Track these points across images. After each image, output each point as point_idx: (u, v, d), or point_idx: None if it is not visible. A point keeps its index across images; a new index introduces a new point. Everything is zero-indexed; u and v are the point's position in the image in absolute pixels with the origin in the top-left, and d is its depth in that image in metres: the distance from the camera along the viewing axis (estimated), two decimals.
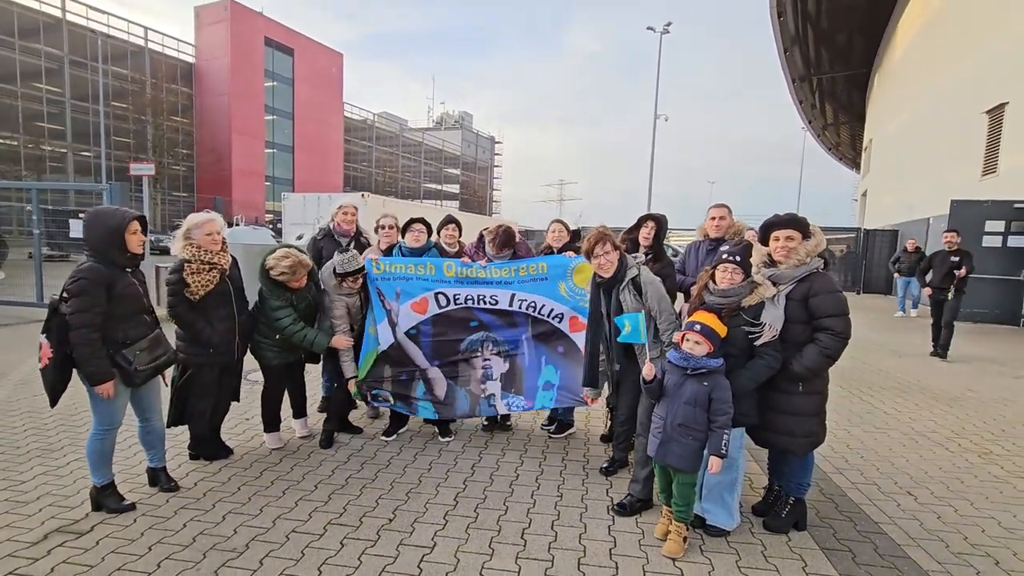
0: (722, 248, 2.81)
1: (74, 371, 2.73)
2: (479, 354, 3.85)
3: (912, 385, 5.89)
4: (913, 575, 2.46)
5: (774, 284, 2.67)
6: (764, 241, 2.75)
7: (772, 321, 2.58)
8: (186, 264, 3.18)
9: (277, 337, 3.57)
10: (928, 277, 7.63)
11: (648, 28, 27.93)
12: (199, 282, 3.18)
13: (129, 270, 2.83)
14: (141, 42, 35.71)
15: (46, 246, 10.66)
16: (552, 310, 3.77)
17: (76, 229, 10.22)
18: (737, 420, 2.66)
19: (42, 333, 2.68)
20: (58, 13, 31.29)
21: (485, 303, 3.80)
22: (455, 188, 65.94)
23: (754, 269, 2.72)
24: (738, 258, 2.64)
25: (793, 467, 2.79)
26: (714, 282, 2.70)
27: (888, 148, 21.73)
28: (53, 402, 2.71)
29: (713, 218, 3.97)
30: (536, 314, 3.79)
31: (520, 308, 3.80)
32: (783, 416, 2.70)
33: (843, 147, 38.74)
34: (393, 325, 3.80)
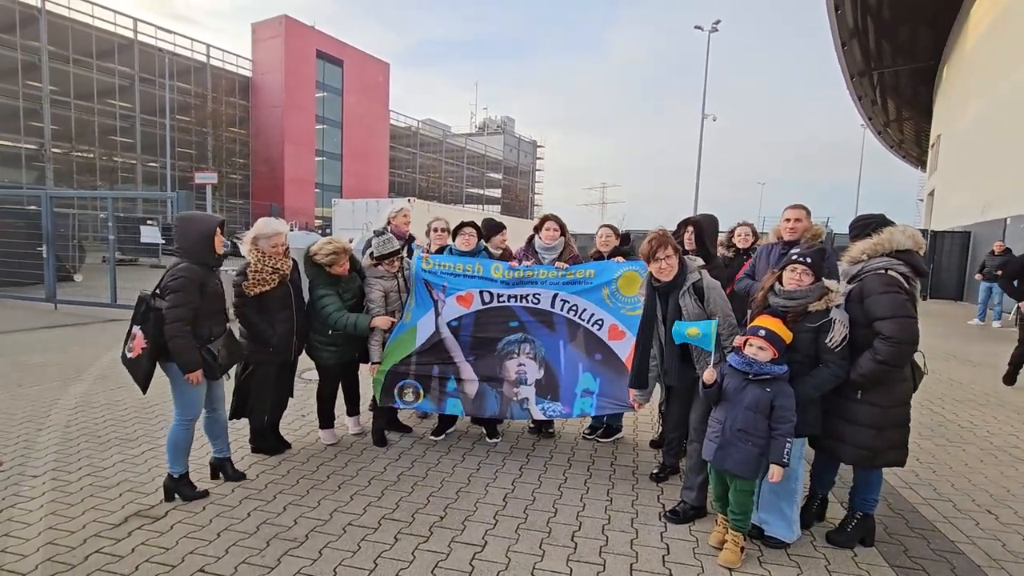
0: (792, 251, 2.71)
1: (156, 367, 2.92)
2: (515, 356, 3.82)
3: (989, 397, 5.49)
4: None
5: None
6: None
7: (840, 318, 2.47)
8: (249, 267, 3.36)
9: (330, 333, 3.67)
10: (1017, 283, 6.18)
11: (696, 27, 27.38)
12: (257, 282, 3.34)
13: (216, 270, 3.04)
14: (203, 58, 37.85)
15: (118, 251, 11.42)
16: (593, 315, 3.72)
17: (146, 235, 10.93)
18: (800, 430, 2.57)
19: (135, 325, 2.87)
20: (130, 34, 33.60)
21: (528, 302, 3.81)
22: (497, 192, 66.41)
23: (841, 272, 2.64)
24: (809, 260, 2.54)
25: (859, 481, 2.66)
26: (780, 284, 2.61)
27: (959, 144, 20.38)
28: (144, 388, 2.91)
29: (788, 219, 3.64)
30: (576, 318, 3.74)
31: (561, 310, 3.77)
32: (852, 426, 2.58)
33: (907, 144, 36.65)
34: (438, 315, 3.85)
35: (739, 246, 4.37)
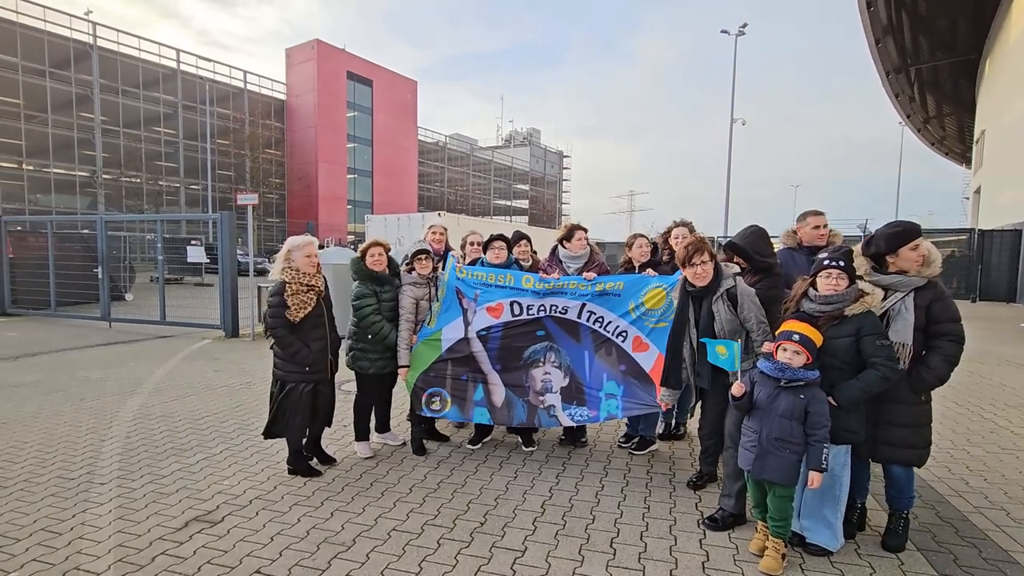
0: (820, 255, 2.71)
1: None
2: (541, 364, 3.88)
3: None
4: None
5: (895, 291, 2.58)
6: (893, 250, 2.63)
7: (902, 330, 2.53)
8: (286, 286, 3.45)
9: (370, 337, 3.81)
10: None
11: (722, 31, 27.14)
12: (297, 303, 3.42)
13: None
14: (240, 84, 39.59)
15: (165, 270, 11.99)
16: (617, 327, 3.77)
17: (192, 255, 11.47)
18: (843, 436, 2.56)
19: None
20: (174, 64, 35.45)
21: (556, 312, 3.88)
22: (524, 203, 66.78)
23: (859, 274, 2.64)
24: (843, 263, 2.56)
25: (903, 481, 2.63)
26: (815, 289, 2.62)
27: (1006, 139, 19.51)
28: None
29: (817, 227, 3.58)
30: (602, 329, 3.80)
31: (587, 321, 3.82)
32: (903, 429, 2.58)
33: (949, 141, 35.24)
34: (467, 324, 3.95)
35: (674, 247, 4.20)
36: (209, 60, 37.98)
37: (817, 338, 2.46)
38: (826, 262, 2.58)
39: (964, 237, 17.18)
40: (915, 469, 2.70)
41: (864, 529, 2.83)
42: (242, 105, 39.15)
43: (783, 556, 2.51)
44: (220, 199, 36.04)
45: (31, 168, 30.39)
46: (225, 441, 4.22)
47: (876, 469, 2.87)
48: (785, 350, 2.47)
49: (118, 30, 32.42)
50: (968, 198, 29.08)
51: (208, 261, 11.34)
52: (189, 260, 11.40)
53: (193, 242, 13.55)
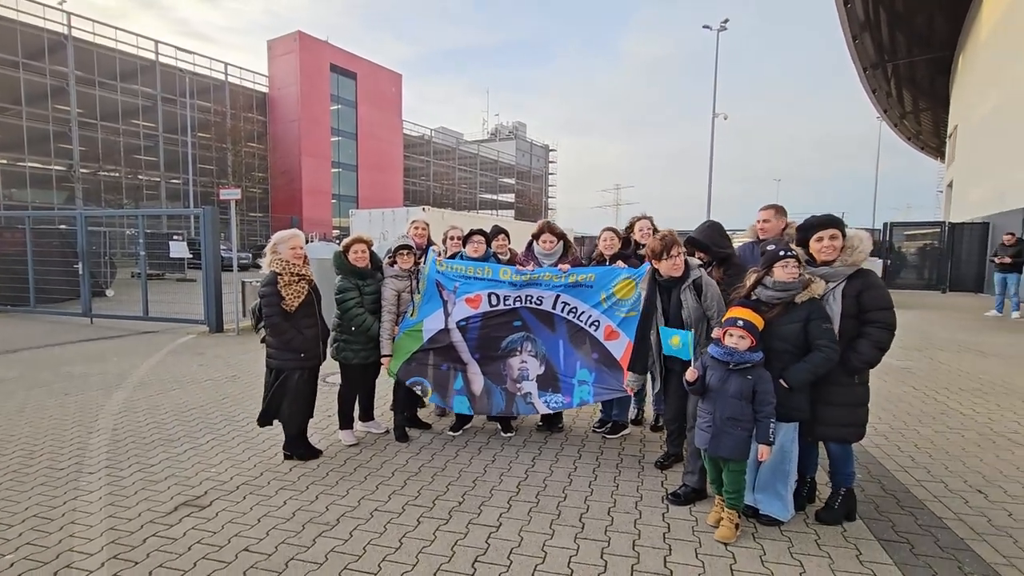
0: (770, 247, 2.91)
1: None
2: (518, 353, 4.07)
3: (996, 386, 5.56)
4: (975, 567, 2.46)
5: (827, 281, 2.77)
6: (804, 242, 2.84)
7: (834, 305, 2.74)
8: (278, 277, 3.63)
9: (353, 329, 3.96)
10: None
11: (704, 27, 27.43)
12: (292, 293, 3.61)
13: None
14: (221, 76, 38.98)
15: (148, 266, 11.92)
16: (590, 316, 3.95)
17: (175, 250, 11.42)
18: (790, 415, 2.77)
19: None
20: (152, 56, 34.79)
21: (532, 303, 4.05)
22: (510, 198, 66.84)
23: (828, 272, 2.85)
24: (794, 252, 2.76)
25: (839, 458, 2.85)
26: (771, 277, 2.81)
27: (976, 134, 20.09)
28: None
29: (758, 221, 3.80)
30: (575, 319, 3.98)
31: (561, 311, 4.01)
32: (839, 408, 2.77)
33: (924, 136, 36.04)
34: (447, 315, 4.11)
35: (637, 240, 4.34)
36: (189, 52, 37.29)
37: (759, 322, 2.66)
38: (782, 253, 2.77)
39: (937, 230, 17.73)
40: (855, 447, 2.91)
41: (814, 501, 3.05)
42: (223, 98, 38.57)
43: (737, 526, 2.72)
44: (202, 194, 35.57)
45: (5, 162, 29.74)
46: (212, 432, 4.33)
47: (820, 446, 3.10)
48: (731, 335, 2.67)
49: (94, 20, 31.73)
50: (942, 192, 29.83)
51: (191, 256, 11.30)
52: (172, 255, 11.33)
53: (175, 237, 13.44)
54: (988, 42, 18.67)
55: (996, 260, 10.88)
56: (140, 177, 35.27)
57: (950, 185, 25.08)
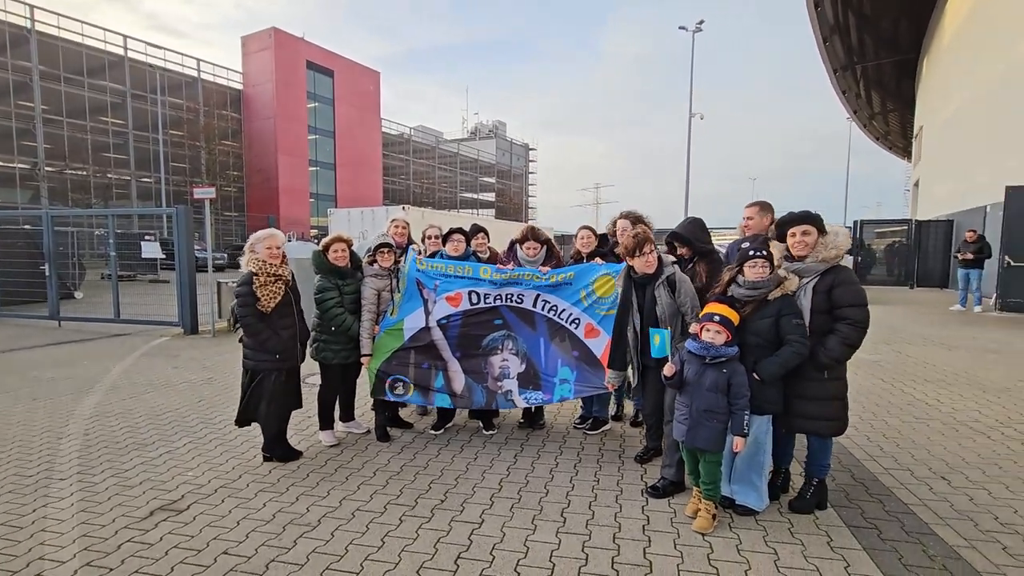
0: (744, 245, 2.99)
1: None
2: (499, 351, 4.08)
3: (959, 377, 5.78)
4: (938, 550, 2.57)
5: (800, 277, 2.85)
6: (781, 238, 2.92)
7: (804, 302, 2.81)
8: (254, 277, 3.57)
9: (333, 329, 3.93)
10: None
11: (680, 28, 27.80)
12: (267, 294, 3.56)
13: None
14: (194, 73, 38.08)
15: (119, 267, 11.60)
16: (570, 315, 3.99)
17: (147, 250, 11.14)
18: (764, 408, 2.85)
19: None
20: (121, 51, 33.81)
21: (513, 301, 4.07)
22: (491, 196, 66.79)
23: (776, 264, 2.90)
24: (764, 252, 2.83)
25: (815, 450, 2.93)
26: (743, 275, 2.88)
27: (940, 135, 20.79)
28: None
29: (745, 217, 3.78)
30: (556, 317, 4.01)
31: (542, 310, 4.04)
32: (810, 402, 2.85)
33: (892, 136, 37.13)
34: (428, 313, 4.11)
35: (620, 240, 4.35)
36: (160, 47, 36.36)
37: (735, 318, 2.73)
38: (751, 252, 2.85)
39: (904, 227, 18.30)
40: (833, 440, 2.99)
41: (787, 491, 3.14)
42: (196, 94, 37.70)
43: (714, 516, 2.79)
44: (175, 193, 34.72)
45: None
46: (188, 435, 4.26)
47: (803, 438, 3.19)
48: (708, 330, 2.74)
49: (58, 14, 30.71)
50: (909, 190, 30.78)
51: (164, 257, 11.03)
52: (144, 256, 11.05)
53: (147, 237, 13.11)
54: (950, 46, 19.33)
55: (959, 256, 11.29)
56: (109, 176, 34.28)
57: (916, 184, 25.89)
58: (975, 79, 16.56)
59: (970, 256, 11.03)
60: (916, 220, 18.14)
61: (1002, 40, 14.57)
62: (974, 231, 11.39)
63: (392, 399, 4.14)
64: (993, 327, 8.95)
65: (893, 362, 6.46)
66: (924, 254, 17.33)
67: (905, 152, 35.58)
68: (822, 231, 2.84)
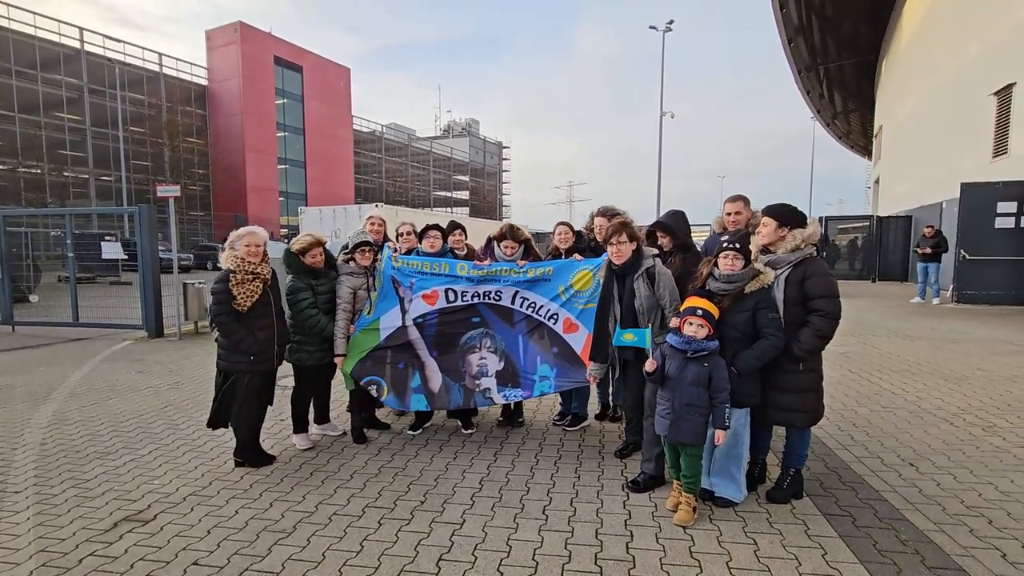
0: (723, 238, 3.03)
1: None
2: (476, 350, 4.03)
3: (922, 367, 6.00)
4: (909, 534, 2.64)
5: (773, 268, 2.89)
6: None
7: (778, 295, 2.86)
8: (231, 275, 3.44)
9: (307, 330, 3.82)
10: None
11: (651, 27, 28.13)
12: (244, 292, 3.43)
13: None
14: (156, 68, 36.77)
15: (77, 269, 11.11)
16: (549, 310, 3.95)
17: (107, 251, 10.70)
18: (742, 401, 2.88)
19: None
20: (77, 44, 32.40)
21: (490, 299, 4.03)
22: (464, 195, 66.52)
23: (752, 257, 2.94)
24: (738, 245, 2.86)
25: (793, 441, 2.99)
26: (718, 269, 2.91)
27: (899, 134, 21.60)
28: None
29: (729, 214, 3.72)
30: (534, 314, 3.98)
31: (520, 307, 4.00)
32: (786, 394, 2.89)
33: (854, 135, 38.38)
34: (404, 312, 4.03)
35: (597, 238, 4.29)
36: (118, 40, 34.93)
37: (715, 311, 2.76)
38: (725, 244, 2.88)
39: (866, 223, 18.94)
40: (809, 431, 3.05)
41: (764, 482, 3.19)
42: (158, 90, 36.39)
43: (694, 509, 2.81)
44: (136, 191, 33.47)
45: None
46: (154, 442, 4.09)
47: (780, 430, 3.24)
48: (691, 324, 2.75)
49: (8, 4, 29.23)
50: (870, 188, 31.87)
51: (126, 258, 10.60)
52: (104, 256, 10.59)
53: (108, 237, 12.58)
54: (907, 48, 20.08)
55: (918, 251, 11.75)
56: (66, 174, 32.83)
57: (877, 181, 26.84)
58: (930, 80, 17.25)
59: (928, 250, 11.48)
60: (877, 216, 18.79)
61: (955, 42, 15.20)
62: (932, 227, 11.86)
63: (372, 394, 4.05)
64: (951, 318, 9.33)
65: (860, 353, 6.66)
66: (885, 249, 17.98)
67: (866, 151, 36.83)
68: (794, 226, 2.89)
